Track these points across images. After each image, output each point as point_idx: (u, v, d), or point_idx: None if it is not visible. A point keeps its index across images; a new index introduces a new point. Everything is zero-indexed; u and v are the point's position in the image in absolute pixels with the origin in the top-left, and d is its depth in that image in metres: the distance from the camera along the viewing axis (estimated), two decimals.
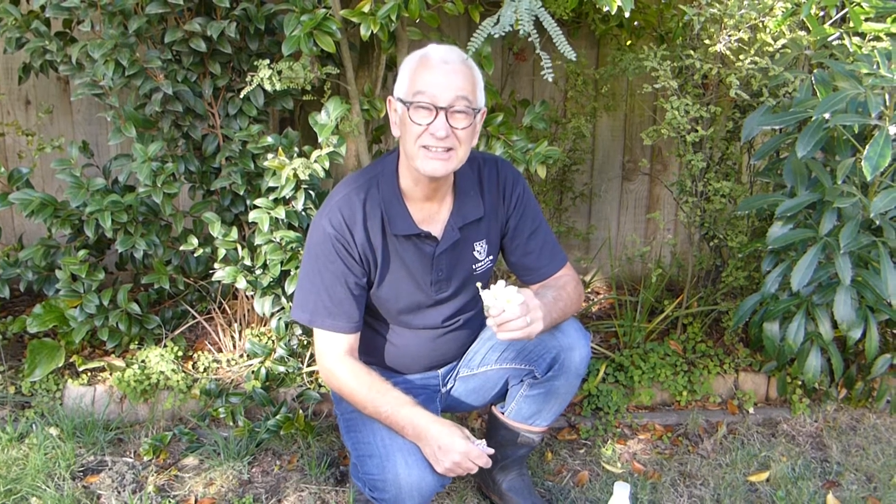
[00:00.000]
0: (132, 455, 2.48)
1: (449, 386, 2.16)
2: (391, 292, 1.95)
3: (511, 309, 1.69)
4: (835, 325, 2.43)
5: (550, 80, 1.75)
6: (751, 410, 2.79)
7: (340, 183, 1.95)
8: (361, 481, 1.99)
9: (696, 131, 2.63)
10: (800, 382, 2.77)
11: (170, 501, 2.24)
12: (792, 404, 2.78)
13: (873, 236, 2.31)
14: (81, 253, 2.65)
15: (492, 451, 1.77)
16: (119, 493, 2.29)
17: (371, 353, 2.03)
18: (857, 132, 2.29)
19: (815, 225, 2.36)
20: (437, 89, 1.72)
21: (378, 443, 1.88)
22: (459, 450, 1.73)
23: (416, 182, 1.85)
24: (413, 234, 1.89)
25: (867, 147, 2.04)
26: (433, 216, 1.92)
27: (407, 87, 1.77)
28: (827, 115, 2.15)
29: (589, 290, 3.58)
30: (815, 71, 2.29)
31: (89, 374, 2.73)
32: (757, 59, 2.45)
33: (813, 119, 2.19)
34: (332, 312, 1.88)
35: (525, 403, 2.09)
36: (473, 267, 2.00)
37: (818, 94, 2.22)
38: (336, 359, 1.89)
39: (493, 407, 2.20)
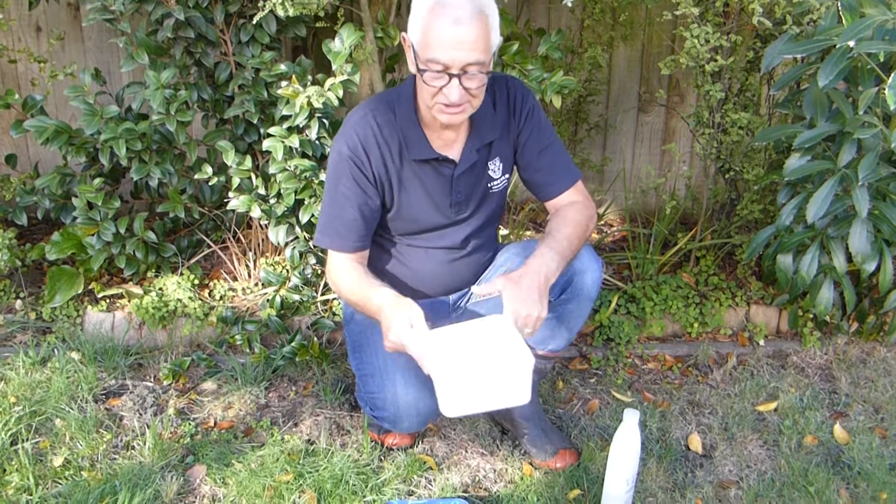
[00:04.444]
0: (152, 379, 2.54)
1: (460, 312, 2.19)
2: (409, 214, 1.97)
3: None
4: (849, 258, 2.42)
5: (570, 5, 1.71)
6: (761, 343, 2.81)
7: (357, 106, 1.94)
8: (363, 400, 2.05)
9: (716, 61, 2.57)
10: (811, 315, 2.78)
11: (190, 423, 2.30)
12: (803, 337, 2.79)
13: (893, 168, 2.28)
14: (97, 181, 2.66)
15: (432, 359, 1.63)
16: (141, 415, 2.36)
17: (383, 275, 2.05)
18: (882, 61, 2.24)
19: (833, 157, 2.33)
20: (448, 55, 1.66)
21: (380, 363, 1.94)
22: (392, 338, 1.68)
23: (433, 118, 1.85)
24: (432, 158, 1.90)
25: (892, 75, 1.99)
26: (451, 142, 1.93)
27: (419, 41, 1.71)
28: (852, 43, 2.09)
29: (602, 222, 3.57)
30: None
31: (108, 300, 2.77)
32: None
33: (837, 47, 2.13)
34: (341, 233, 1.93)
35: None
36: (489, 185, 2.02)
37: (844, 20, 2.15)
38: (339, 266, 1.95)
39: None
